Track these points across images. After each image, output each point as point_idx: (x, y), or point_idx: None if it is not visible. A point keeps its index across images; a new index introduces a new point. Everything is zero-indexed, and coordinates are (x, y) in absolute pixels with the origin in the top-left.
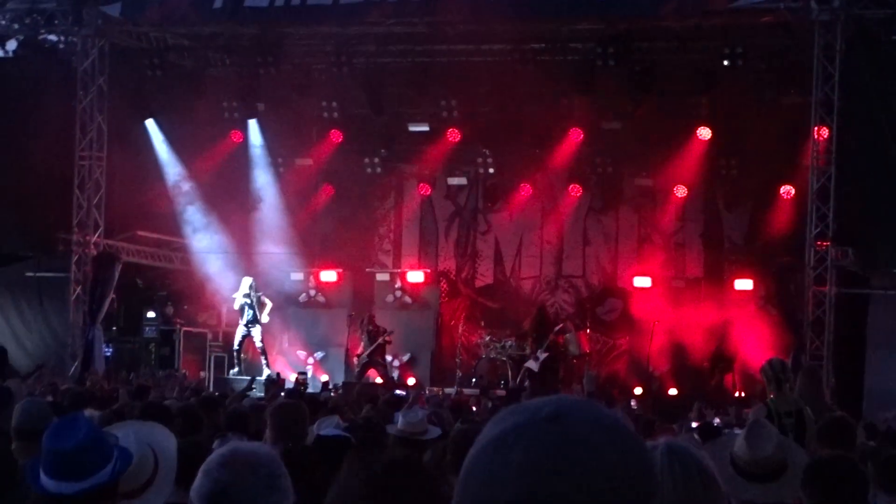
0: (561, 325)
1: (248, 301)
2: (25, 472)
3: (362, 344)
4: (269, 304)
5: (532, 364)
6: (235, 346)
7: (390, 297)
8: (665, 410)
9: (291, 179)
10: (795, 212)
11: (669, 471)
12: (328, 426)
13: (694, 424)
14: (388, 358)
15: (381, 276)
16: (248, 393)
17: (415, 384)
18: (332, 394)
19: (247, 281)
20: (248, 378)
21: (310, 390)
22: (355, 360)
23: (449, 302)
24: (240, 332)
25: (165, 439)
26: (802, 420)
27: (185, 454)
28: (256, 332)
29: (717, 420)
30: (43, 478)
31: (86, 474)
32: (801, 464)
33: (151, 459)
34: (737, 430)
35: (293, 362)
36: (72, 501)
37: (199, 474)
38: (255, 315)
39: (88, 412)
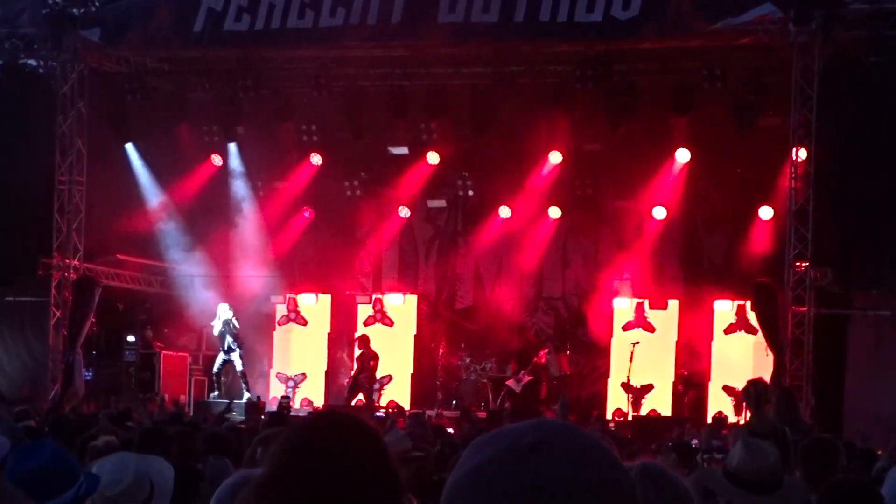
0: (546, 349)
1: (227, 328)
2: None
3: (354, 367)
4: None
5: (514, 384)
6: (215, 370)
7: (370, 320)
8: (644, 431)
9: (271, 202)
10: (775, 233)
11: (643, 492)
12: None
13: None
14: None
15: (361, 299)
16: (227, 416)
17: (394, 406)
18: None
19: (223, 307)
20: (227, 402)
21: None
22: (347, 382)
23: (429, 324)
24: (220, 357)
25: (164, 470)
26: (783, 442)
27: (181, 480)
28: (236, 357)
29: (694, 441)
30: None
31: (47, 496)
32: (794, 480)
33: (147, 487)
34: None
35: (273, 385)
36: None
37: None
38: (233, 341)
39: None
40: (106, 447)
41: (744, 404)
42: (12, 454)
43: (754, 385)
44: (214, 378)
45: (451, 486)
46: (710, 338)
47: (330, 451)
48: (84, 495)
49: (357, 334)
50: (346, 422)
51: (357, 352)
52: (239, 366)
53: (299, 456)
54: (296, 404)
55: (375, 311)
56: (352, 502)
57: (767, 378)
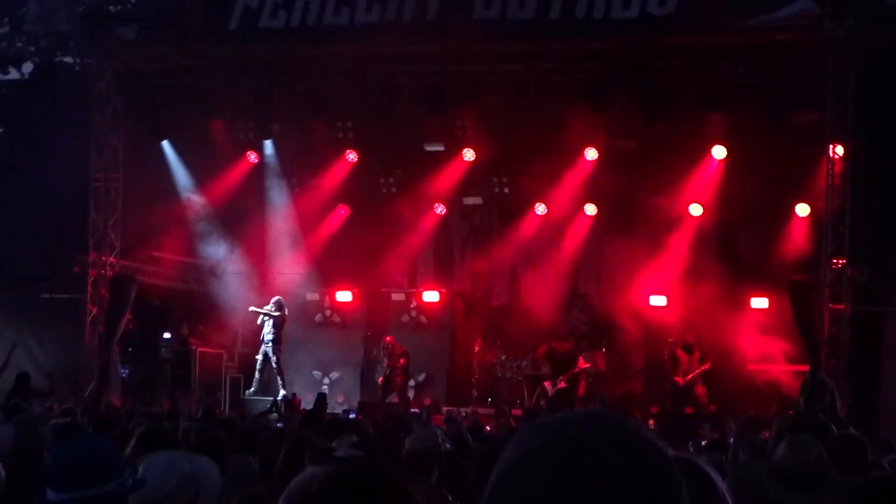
0: (581, 367)
1: (271, 319)
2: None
3: (388, 369)
4: (282, 331)
5: (549, 387)
6: (258, 367)
7: (406, 318)
8: (680, 428)
9: (306, 199)
10: (811, 230)
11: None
12: (345, 446)
13: (704, 443)
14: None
15: (397, 297)
16: (269, 416)
17: (429, 404)
18: (352, 415)
19: (275, 300)
20: (267, 398)
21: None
22: (381, 380)
23: (464, 322)
24: (261, 353)
25: (211, 472)
26: (826, 437)
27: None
28: (274, 353)
29: (731, 439)
30: (48, 493)
31: (83, 486)
32: (837, 476)
33: (192, 490)
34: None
35: (308, 383)
36: None
37: None
38: (276, 335)
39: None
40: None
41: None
42: (55, 449)
43: (814, 379)
44: (258, 374)
45: (498, 474)
46: (746, 336)
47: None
48: (127, 492)
49: (386, 336)
50: (376, 477)
51: (387, 352)
52: (274, 362)
53: None
54: (330, 402)
55: (411, 309)
56: None
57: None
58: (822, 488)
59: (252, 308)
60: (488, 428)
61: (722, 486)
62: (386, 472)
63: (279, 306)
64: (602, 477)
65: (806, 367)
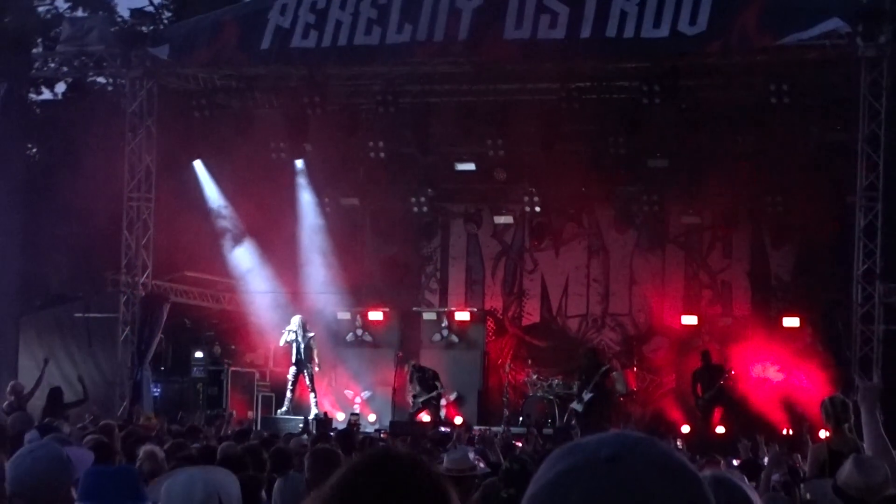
0: (607, 367)
1: (296, 339)
2: None
3: (416, 387)
4: (315, 350)
5: (577, 405)
6: (290, 387)
7: (437, 337)
8: (711, 448)
9: (338, 219)
10: (843, 248)
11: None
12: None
13: (736, 462)
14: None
15: (428, 316)
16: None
17: (462, 423)
18: (381, 434)
19: (296, 319)
20: (298, 418)
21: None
22: (410, 400)
23: (496, 341)
24: (291, 372)
25: (230, 484)
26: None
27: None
28: (307, 372)
29: (765, 459)
30: None
31: (116, 500)
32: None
33: (215, 501)
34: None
35: (340, 402)
36: None
37: None
38: (304, 354)
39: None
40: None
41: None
42: (87, 470)
43: (831, 401)
44: (289, 393)
45: (530, 496)
46: (779, 355)
47: (385, 493)
48: None
49: (413, 360)
50: (403, 461)
51: (415, 373)
52: (308, 380)
53: (350, 494)
54: (363, 422)
55: (442, 328)
56: None
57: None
58: None
59: (283, 341)
60: (520, 447)
61: (757, 500)
62: (412, 456)
63: (303, 325)
64: (633, 499)
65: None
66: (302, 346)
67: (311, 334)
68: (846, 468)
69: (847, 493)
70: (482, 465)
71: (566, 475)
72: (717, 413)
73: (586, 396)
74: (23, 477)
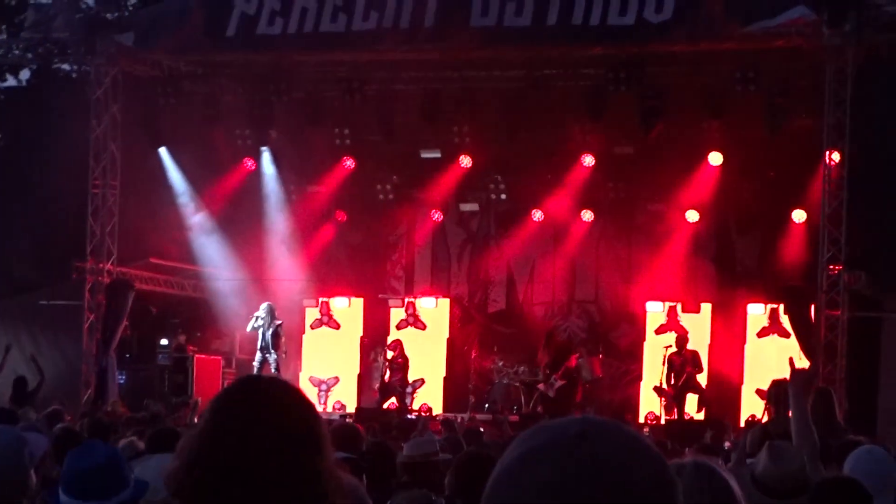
0: (577, 353)
1: (263, 325)
2: (45, 499)
3: (387, 371)
4: (282, 337)
5: (547, 389)
6: (255, 373)
7: (403, 323)
8: (678, 435)
9: (303, 206)
10: (808, 236)
11: (696, 489)
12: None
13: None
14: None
15: (394, 303)
16: None
17: (426, 410)
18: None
19: (264, 306)
20: None
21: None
22: (378, 385)
23: (461, 328)
24: (257, 358)
25: None
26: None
27: None
28: (272, 358)
29: (727, 444)
30: (63, 497)
31: (106, 495)
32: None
33: None
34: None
35: (305, 389)
36: None
37: None
38: (269, 341)
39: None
40: (128, 448)
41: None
42: (70, 454)
43: (777, 385)
44: None
45: (496, 476)
46: (743, 342)
47: (254, 410)
48: (136, 498)
49: (391, 339)
50: (270, 384)
51: (389, 355)
52: (273, 368)
53: (224, 415)
54: (328, 408)
55: (408, 315)
56: (275, 454)
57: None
58: (804, 497)
59: (250, 327)
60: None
61: (739, 491)
62: (276, 379)
63: (271, 312)
64: (598, 478)
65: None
66: (268, 332)
67: (279, 322)
68: (761, 457)
69: (763, 482)
70: (443, 453)
71: (532, 454)
72: (686, 399)
73: (557, 383)
74: None
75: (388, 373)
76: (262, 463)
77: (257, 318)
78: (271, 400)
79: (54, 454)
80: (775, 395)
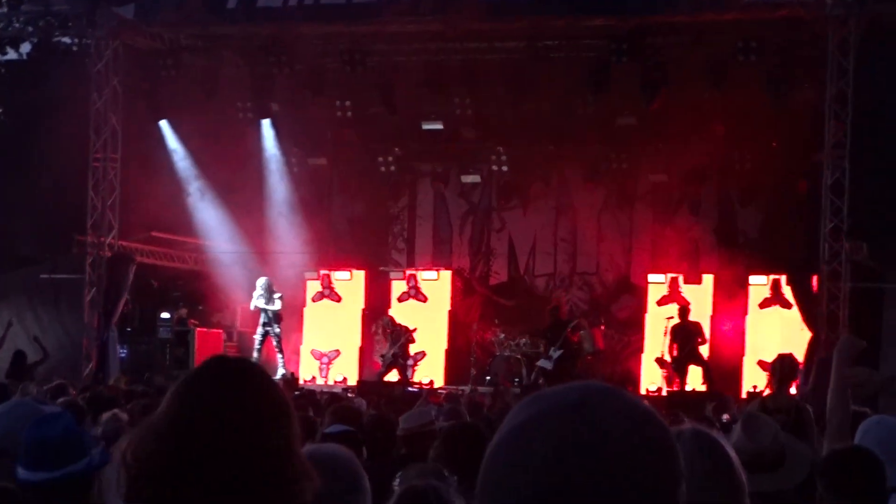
0: (575, 322)
1: (264, 302)
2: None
3: (388, 344)
4: (277, 301)
5: (545, 363)
6: (256, 347)
7: (404, 296)
8: (679, 406)
9: (305, 179)
10: (810, 207)
11: (694, 457)
12: (336, 423)
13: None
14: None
15: (395, 275)
16: None
17: (428, 383)
18: (348, 394)
19: (261, 281)
20: None
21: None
22: (379, 359)
23: (463, 300)
24: (259, 333)
25: None
26: (795, 417)
27: None
28: (274, 332)
29: (725, 416)
30: (20, 471)
31: (58, 465)
32: (799, 452)
33: None
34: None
35: (307, 362)
36: (46, 493)
37: None
38: (271, 315)
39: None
40: (111, 420)
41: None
42: (28, 427)
43: (781, 361)
44: (256, 354)
45: (495, 444)
46: (745, 313)
47: (219, 385)
48: (94, 467)
49: (385, 316)
50: (234, 361)
51: (389, 328)
52: (275, 342)
53: (193, 390)
54: (330, 381)
55: (409, 287)
56: (240, 426)
57: (801, 353)
58: (781, 471)
59: (253, 305)
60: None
61: (735, 457)
62: (243, 360)
63: (269, 287)
64: (600, 443)
65: (804, 346)
66: (269, 307)
67: (278, 295)
68: (736, 430)
69: (739, 456)
70: (441, 422)
71: (532, 421)
72: (689, 371)
73: (555, 354)
74: (5, 434)
75: (387, 345)
76: (235, 447)
77: (258, 296)
78: (243, 383)
79: None
80: (779, 369)
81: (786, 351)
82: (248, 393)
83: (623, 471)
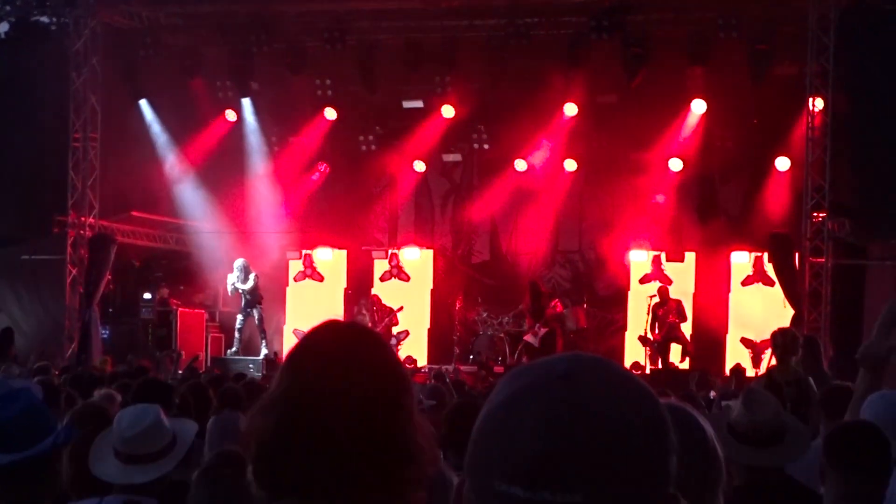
0: (556, 300)
1: (238, 283)
2: None
3: (370, 324)
4: (250, 280)
5: (532, 339)
6: (238, 327)
7: (386, 275)
8: (662, 384)
9: (286, 158)
10: (792, 183)
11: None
12: None
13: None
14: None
15: (377, 254)
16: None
17: (411, 361)
18: None
19: (237, 263)
20: (248, 358)
21: None
22: None
23: (445, 279)
24: (240, 315)
25: (185, 424)
26: (804, 389)
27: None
28: (255, 312)
29: (712, 393)
30: None
31: (21, 447)
32: (799, 430)
33: (169, 435)
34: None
35: (289, 342)
36: (11, 475)
37: None
38: (250, 296)
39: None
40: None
41: (770, 353)
42: None
43: (782, 334)
44: (237, 334)
45: (483, 416)
46: (728, 290)
47: (334, 356)
48: (58, 446)
49: (366, 297)
50: (347, 329)
51: (379, 308)
52: (256, 322)
53: (305, 362)
54: None
55: (392, 266)
56: (358, 401)
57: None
58: (780, 446)
59: (231, 290)
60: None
61: (712, 432)
62: (356, 324)
63: (245, 269)
64: (590, 413)
65: (786, 323)
66: (246, 289)
67: (253, 274)
68: (736, 404)
69: (737, 429)
70: (428, 401)
71: (519, 394)
72: (670, 349)
73: (540, 331)
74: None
75: (370, 324)
76: (353, 427)
77: (234, 278)
78: (363, 354)
79: None
80: (781, 342)
81: (770, 328)
82: (365, 367)
83: (614, 441)
